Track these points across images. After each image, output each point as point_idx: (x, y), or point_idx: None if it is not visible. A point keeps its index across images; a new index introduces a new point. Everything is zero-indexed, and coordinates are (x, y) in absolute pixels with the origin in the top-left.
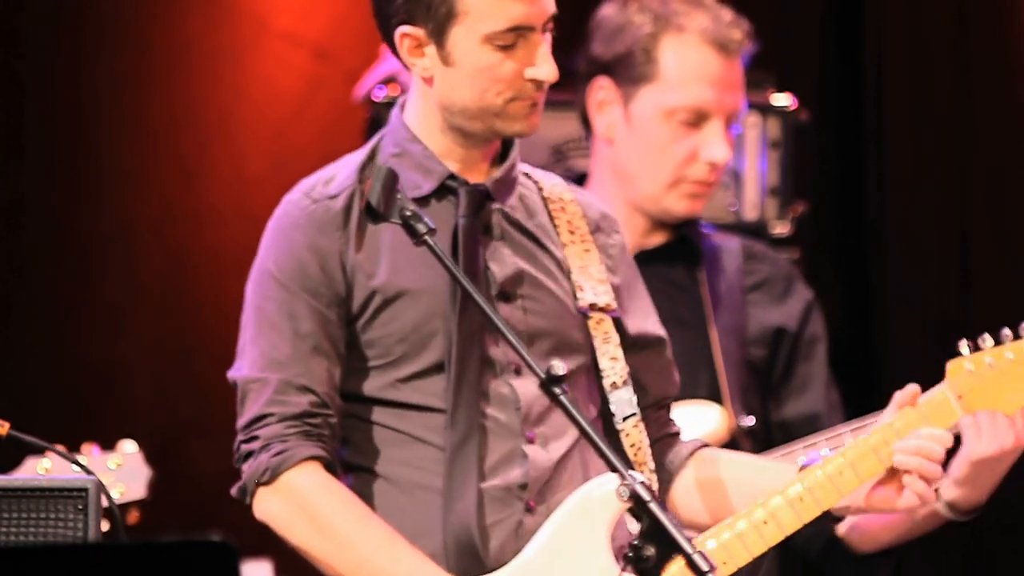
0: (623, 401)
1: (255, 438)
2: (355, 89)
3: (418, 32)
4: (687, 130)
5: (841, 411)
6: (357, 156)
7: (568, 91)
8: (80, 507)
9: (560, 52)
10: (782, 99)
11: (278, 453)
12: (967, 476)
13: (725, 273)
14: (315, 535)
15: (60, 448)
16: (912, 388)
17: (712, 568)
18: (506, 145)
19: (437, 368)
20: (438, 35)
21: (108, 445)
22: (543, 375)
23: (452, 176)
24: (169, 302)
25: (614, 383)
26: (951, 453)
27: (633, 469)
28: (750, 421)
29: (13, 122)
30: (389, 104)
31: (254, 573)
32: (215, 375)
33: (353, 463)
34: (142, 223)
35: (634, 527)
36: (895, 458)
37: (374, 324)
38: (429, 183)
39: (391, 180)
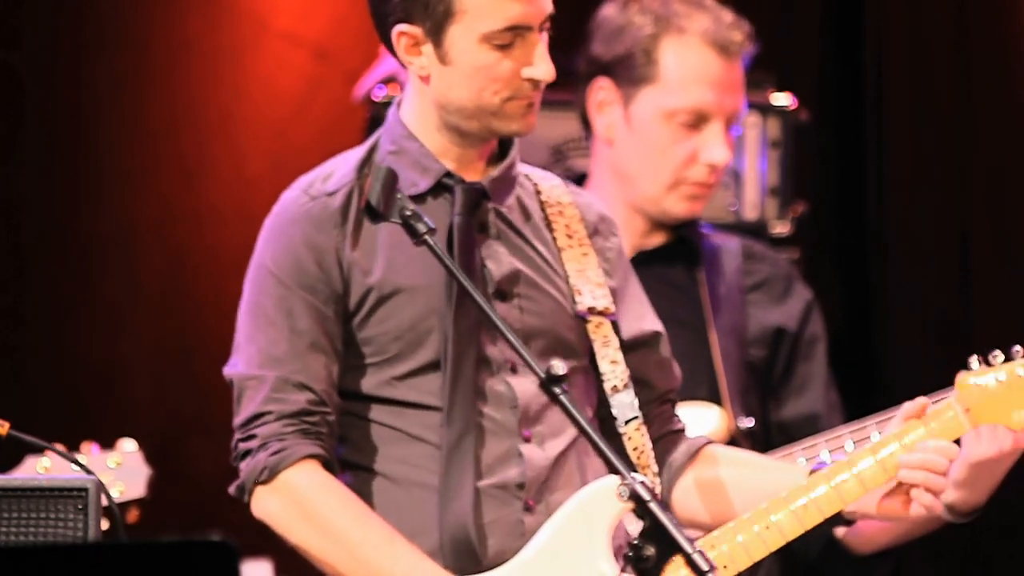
0: (624, 405)
1: (253, 436)
2: (355, 89)
3: (415, 30)
4: (687, 132)
5: (841, 411)
6: (355, 153)
7: (568, 91)
8: (80, 506)
9: (560, 52)
10: (782, 99)
11: (276, 452)
12: (966, 478)
13: (724, 273)
14: (314, 534)
15: (60, 447)
16: (921, 401)
17: (712, 568)
18: (504, 144)
19: (433, 366)
20: (435, 34)
21: (108, 445)
22: (543, 374)
23: (448, 174)
24: (169, 302)
25: (615, 387)
26: None
27: (635, 470)
28: (749, 423)
29: (13, 122)
30: (389, 104)
31: (254, 573)
32: (215, 375)
33: (351, 461)
34: (142, 223)
35: (633, 527)
36: (900, 473)
37: (370, 321)
38: (425, 181)
39: (391, 180)
